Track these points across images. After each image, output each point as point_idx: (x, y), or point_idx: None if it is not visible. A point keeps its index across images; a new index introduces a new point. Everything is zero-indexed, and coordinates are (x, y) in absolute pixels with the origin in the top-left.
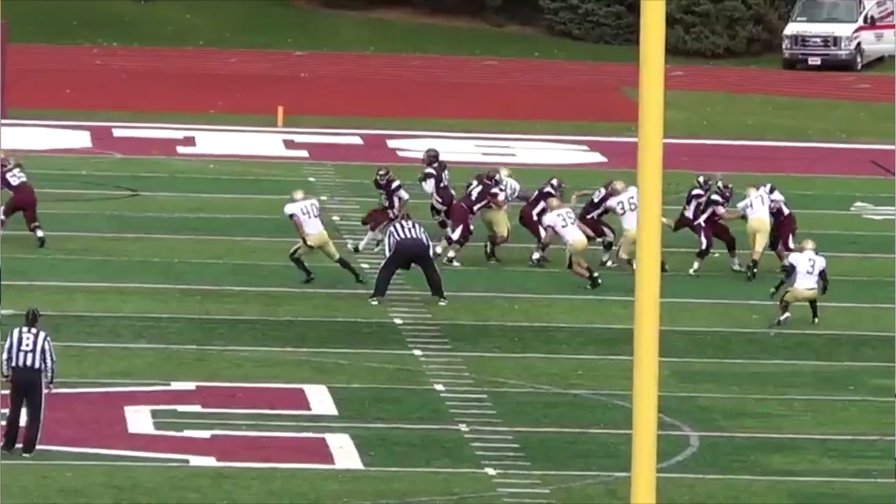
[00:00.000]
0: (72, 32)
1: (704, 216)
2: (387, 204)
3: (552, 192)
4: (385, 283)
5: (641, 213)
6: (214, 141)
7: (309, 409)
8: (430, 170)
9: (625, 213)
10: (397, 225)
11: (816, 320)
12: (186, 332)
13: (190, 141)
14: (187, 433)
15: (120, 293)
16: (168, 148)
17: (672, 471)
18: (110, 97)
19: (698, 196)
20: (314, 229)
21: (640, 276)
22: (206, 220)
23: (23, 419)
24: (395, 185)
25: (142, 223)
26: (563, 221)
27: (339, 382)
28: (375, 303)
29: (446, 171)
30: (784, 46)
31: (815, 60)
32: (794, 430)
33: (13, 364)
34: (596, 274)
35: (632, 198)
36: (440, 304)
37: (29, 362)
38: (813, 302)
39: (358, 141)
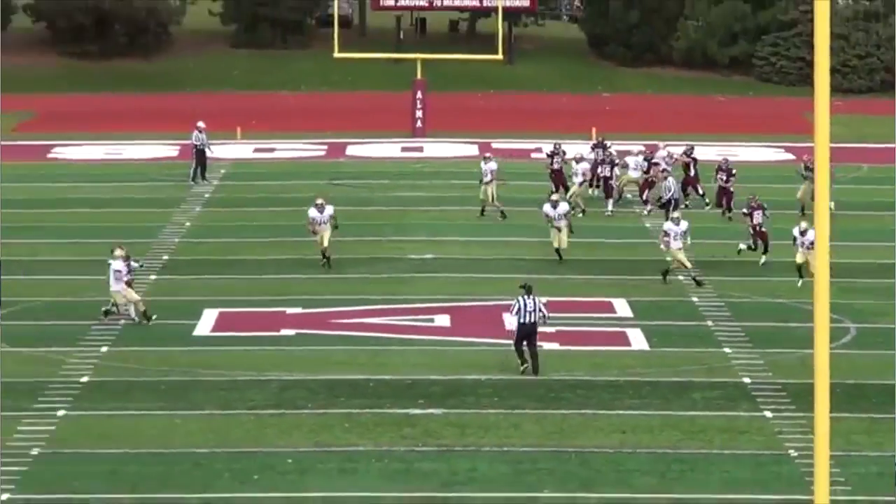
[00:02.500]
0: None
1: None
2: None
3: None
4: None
5: (818, 190)
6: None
7: (615, 312)
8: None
9: None
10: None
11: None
12: (535, 267)
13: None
14: (541, 328)
15: (488, 245)
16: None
17: (839, 349)
18: (490, 124)
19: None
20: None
21: (818, 231)
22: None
23: None
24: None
25: None
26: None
27: (634, 297)
28: None
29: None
30: None
31: None
32: None
33: (521, 320)
34: None
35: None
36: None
37: (532, 319)
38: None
39: (641, 147)
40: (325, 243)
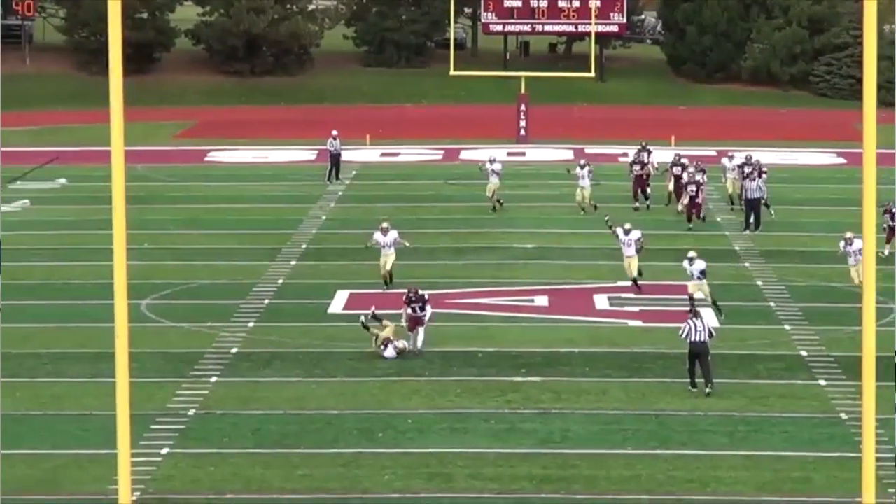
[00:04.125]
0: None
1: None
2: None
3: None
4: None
5: (865, 190)
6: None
7: None
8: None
9: None
10: None
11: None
12: (621, 256)
13: (625, 154)
14: (627, 308)
15: (581, 237)
16: (614, 158)
17: (884, 326)
18: (583, 132)
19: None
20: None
21: (865, 228)
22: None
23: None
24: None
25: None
26: None
27: (707, 281)
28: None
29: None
30: None
31: None
32: None
33: (691, 339)
34: None
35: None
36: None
37: (701, 339)
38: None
39: (713, 153)
40: (388, 267)
